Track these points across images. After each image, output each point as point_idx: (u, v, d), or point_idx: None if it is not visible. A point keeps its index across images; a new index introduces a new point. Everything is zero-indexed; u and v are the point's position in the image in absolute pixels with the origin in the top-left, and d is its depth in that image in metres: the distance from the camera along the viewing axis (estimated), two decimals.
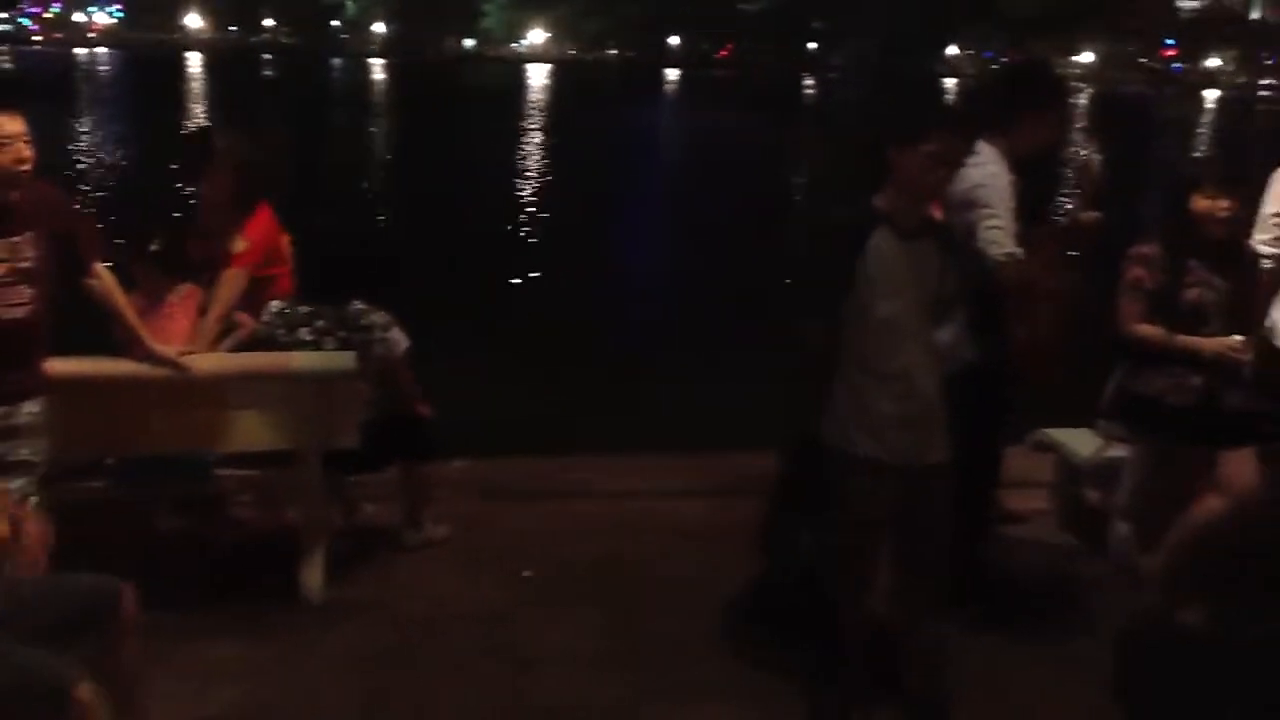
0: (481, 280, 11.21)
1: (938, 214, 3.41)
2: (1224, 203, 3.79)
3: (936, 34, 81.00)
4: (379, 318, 4.08)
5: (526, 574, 4.19)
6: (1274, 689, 3.31)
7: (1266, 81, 79.67)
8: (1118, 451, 4.40)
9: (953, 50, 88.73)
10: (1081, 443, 4.60)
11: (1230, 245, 3.90)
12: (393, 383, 4.15)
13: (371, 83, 55.61)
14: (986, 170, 3.59)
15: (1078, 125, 33.25)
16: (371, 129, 31.84)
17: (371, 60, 73.96)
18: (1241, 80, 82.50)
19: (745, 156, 23.62)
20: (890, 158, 3.13)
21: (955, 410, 3.38)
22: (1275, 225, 4.03)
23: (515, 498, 4.88)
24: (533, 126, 33.60)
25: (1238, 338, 3.75)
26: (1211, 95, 71.05)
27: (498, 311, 10.04)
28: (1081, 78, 70.30)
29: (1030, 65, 4.27)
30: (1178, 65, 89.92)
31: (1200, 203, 3.83)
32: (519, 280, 12.01)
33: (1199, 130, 42.45)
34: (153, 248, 4.10)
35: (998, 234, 3.54)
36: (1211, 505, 3.86)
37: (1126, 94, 63.43)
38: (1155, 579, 3.98)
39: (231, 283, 4.11)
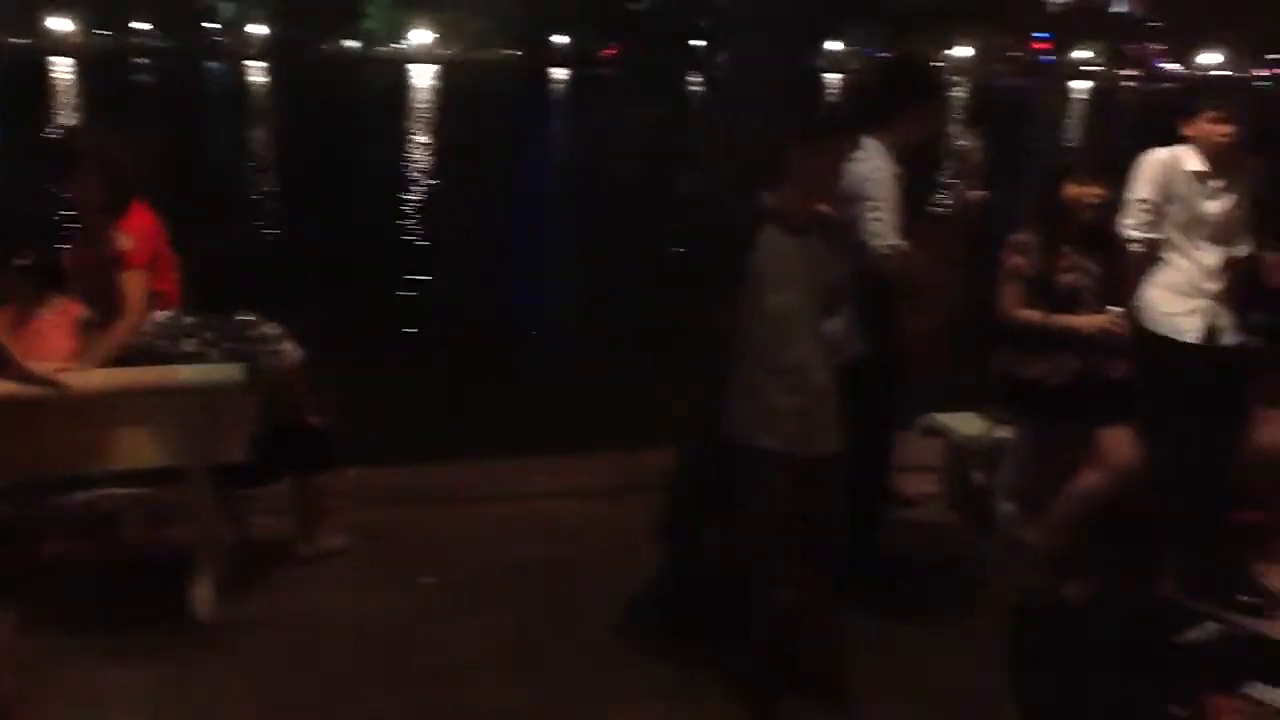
0: (371, 285, 11.07)
1: (826, 209, 3.48)
2: (1094, 190, 3.95)
3: (820, 31, 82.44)
4: (269, 329, 4.01)
5: (427, 580, 4.16)
6: (1148, 653, 3.47)
7: (1129, 72, 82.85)
8: (1003, 433, 4.54)
9: (836, 46, 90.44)
10: (968, 426, 4.75)
11: (1100, 230, 4.06)
12: (285, 394, 4.08)
13: (250, 86, 54.33)
14: (870, 164, 3.69)
15: (957, 118, 34.16)
16: (251, 133, 31.10)
17: (250, 63, 72.25)
18: (1106, 71, 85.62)
19: (634, 155, 23.74)
20: (790, 156, 3.20)
21: (847, 400, 3.47)
22: (1141, 210, 4.20)
23: (415, 504, 4.83)
24: (418, 128, 33.24)
25: (1114, 309, 3.90)
26: (1080, 86, 73.61)
27: (389, 316, 9.92)
28: (959, 71, 72.17)
29: (909, 60, 4.39)
30: (1049, 58, 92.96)
31: (1072, 190, 3.98)
32: (410, 284, 11.88)
33: (1069, 120, 43.98)
34: (20, 261, 3.95)
35: (882, 226, 3.64)
36: (1091, 481, 4.02)
37: (1001, 86, 65.34)
38: (1040, 554, 4.13)
39: (134, 286, 3.91)
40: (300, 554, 4.26)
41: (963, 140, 3.85)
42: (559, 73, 74.07)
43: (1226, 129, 4.02)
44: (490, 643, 3.75)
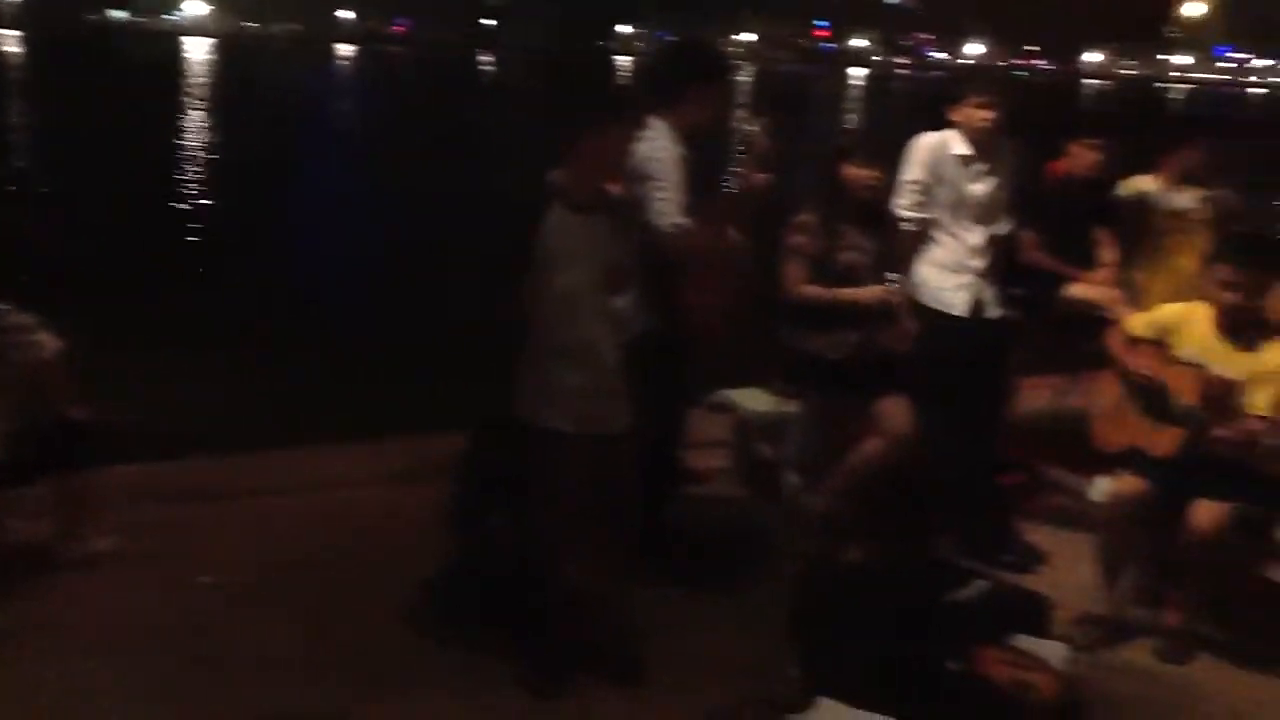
0: (149, 272, 10.46)
1: (612, 188, 3.49)
2: (869, 172, 4.11)
3: (612, 14, 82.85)
4: (22, 319, 3.72)
5: (205, 580, 3.96)
6: (924, 611, 3.65)
7: (902, 60, 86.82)
8: (788, 407, 4.69)
9: (627, 30, 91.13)
10: (754, 401, 4.87)
11: (876, 210, 4.23)
12: (42, 388, 3.80)
13: (4, 57, 50.36)
14: (655, 145, 3.72)
15: (742, 101, 34.96)
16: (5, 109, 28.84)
17: (2, 32, 66.89)
18: (882, 59, 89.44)
19: (421, 133, 23.28)
20: (583, 136, 3.19)
21: (635, 378, 3.50)
22: (912, 192, 4.40)
23: (193, 500, 4.59)
24: (195, 105, 31.61)
25: (892, 275, 4.07)
26: (858, 73, 76.65)
27: (167, 304, 9.39)
28: (744, 57, 73.99)
29: (693, 42, 4.44)
30: (830, 45, 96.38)
31: (849, 172, 4.13)
32: (189, 270, 11.30)
33: (848, 105, 45.76)
34: None
35: (666, 205, 3.68)
36: (869, 450, 4.19)
37: (784, 72, 67.37)
38: (822, 522, 4.29)
39: None
40: (64, 557, 3.99)
41: (748, 124, 3.94)
42: (345, 49, 71.83)
43: (988, 114, 4.25)
44: (276, 641, 3.61)
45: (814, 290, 4.15)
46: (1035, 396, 5.74)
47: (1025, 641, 3.42)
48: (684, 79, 3.91)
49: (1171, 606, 3.77)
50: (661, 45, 4.53)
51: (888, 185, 4.35)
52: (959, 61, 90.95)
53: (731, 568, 4.24)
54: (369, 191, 16.80)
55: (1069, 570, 4.34)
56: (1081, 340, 5.09)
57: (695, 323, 3.88)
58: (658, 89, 3.87)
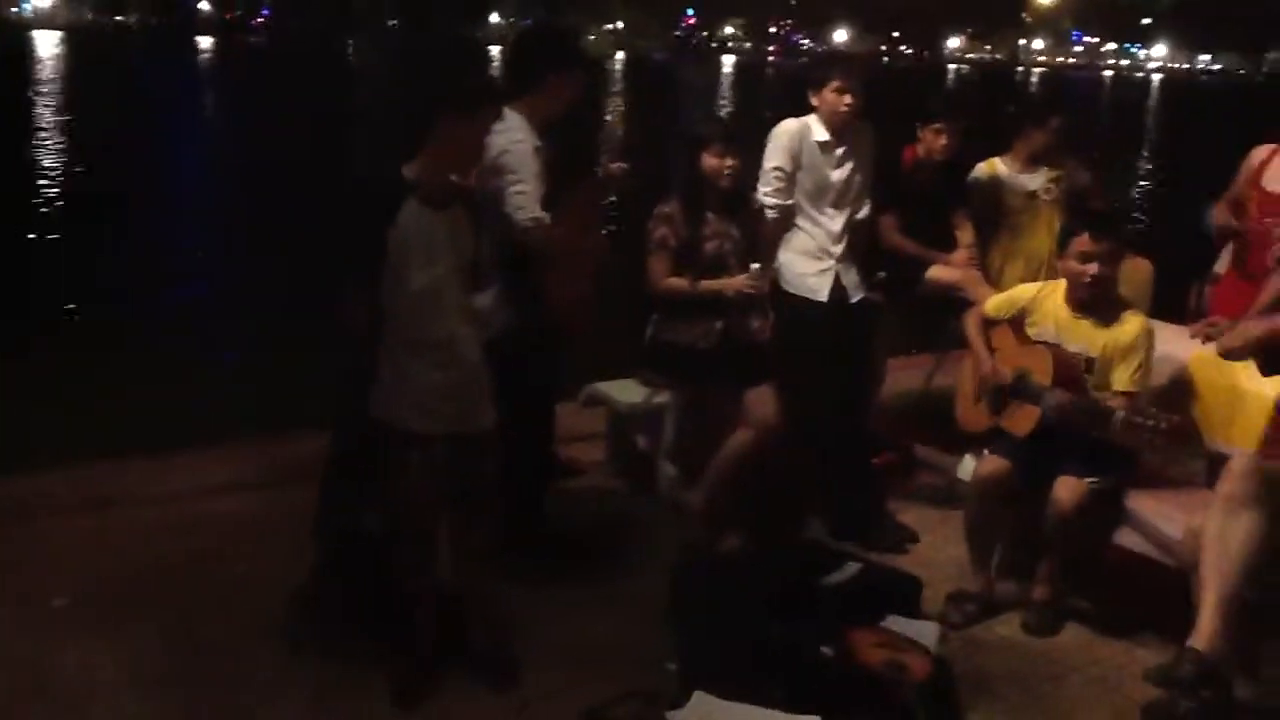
0: None
1: (468, 181, 3.41)
2: (729, 160, 4.09)
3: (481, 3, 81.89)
4: None
5: (59, 603, 3.75)
6: (799, 596, 3.66)
7: (771, 48, 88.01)
8: (661, 398, 4.66)
9: (495, 19, 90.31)
10: (628, 393, 4.83)
11: (738, 197, 4.22)
12: None
13: None
14: (511, 136, 3.64)
15: (612, 91, 34.97)
16: None
17: None
18: (751, 47, 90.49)
19: (285, 126, 22.64)
20: (439, 127, 3.09)
21: (500, 374, 3.43)
22: (775, 178, 4.40)
23: (39, 515, 4.35)
24: (45, 102, 30.15)
25: (754, 265, 4.07)
26: (728, 60, 77.40)
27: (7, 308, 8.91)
28: (615, 45, 74.03)
29: (550, 29, 4.37)
30: (701, 33, 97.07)
31: (709, 160, 4.10)
32: (34, 271, 10.75)
33: (719, 92, 46.15)
34: None
35: (524, 199, 3.61)
36: (740, 439, 4.19)
37: (654, 59, 67.58)
38: (698, 512, 4.28)
39: None
40: None
41: (610, 114, 3.89)
42: (205, 40, 69.50)
43: (847, 99, 4.27)
44: (134, 661, 3.43)
45: (677, 282, 4.12)
46: (907, 377, 5.85)
47: (897, 623, 3.46)
48: (539, 68, 3.84)
49: (1038, 580, 3.86)
50: (517, 33, 4.41)
51: (748, 172, 4.34)
52: (826, 48, 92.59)
53: (609, 561, 4.20)
54: (222, 188, 16.23)
55: (940, 548, 4.42)
56: (946, 321, 5.20)
57: (556, 315, 3.82)
58: (513, 78, 3.79)
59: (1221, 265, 6.60)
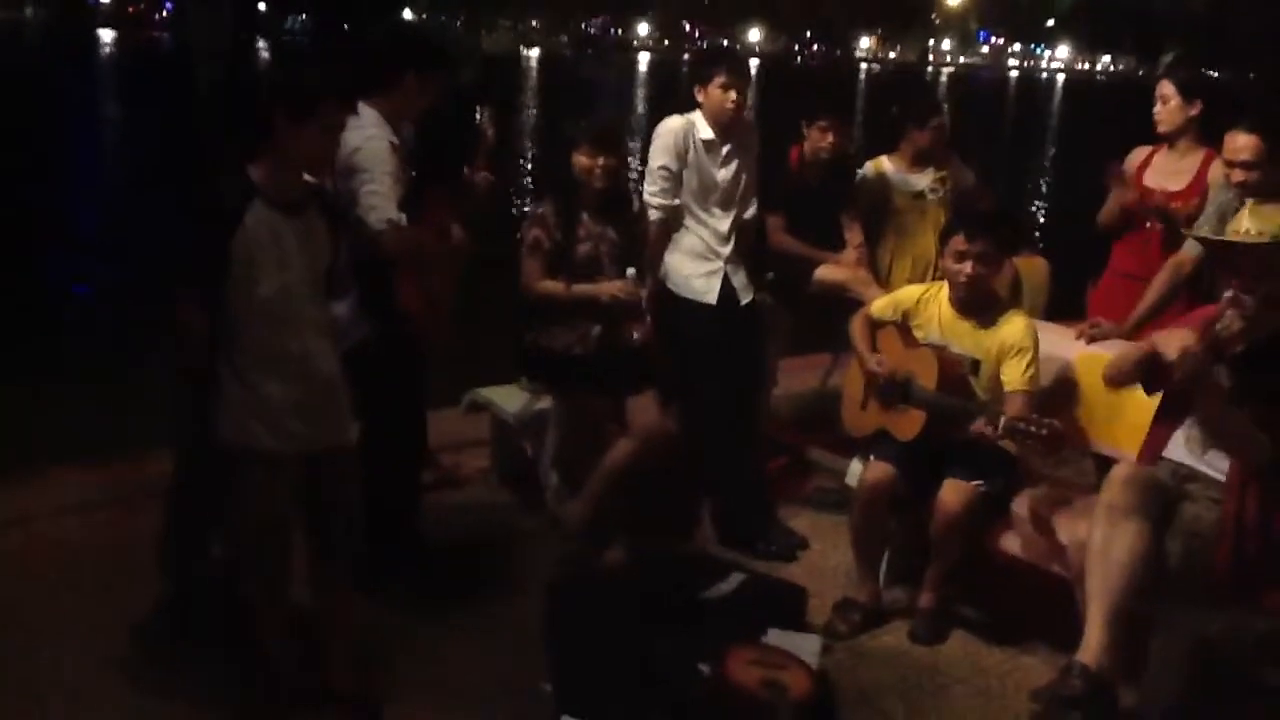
0: None
1: (319, 182, 3.21)
2: (602, 159, 3.94)
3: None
4: None
5: None
6: (679, 611, 3.54)
7: (686, 46, 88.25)
8: (543, 404, 4.51)
9: (408, 14, 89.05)
10: (510, 399, 4.66)
11: (615, 197, 4.07)
12: None
13: None
14: (365, 134, 3.44)
15: (519, 88, 34.56)
16: None
17: None
18: (665, 45, 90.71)
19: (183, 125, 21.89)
20: (278, 128, 2.87)
21: (361, 386, 3.24)
22: (661, 178, 4.27)
23: None
24: None
25: (630, 271, 3.92)
26: (644, 59, 77.36)
27: None
28: (521, 41, 73.54)
29: (405, 28, 4.16)
30: (611, 31, 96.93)
31: (580, 160, 3.95)
32: None
33: (632, 90, 45.95)
34: None
35: (377, 199, 3.41)
36: (622, 449, 4.05)
37: (569, 59, 67.21)
38: (579, 524, 4.12)
39: None
40: None
41: (480, 115, 3.73)
42: (106, 34, 67.33)
43: (733, 96, 4.15)
44: None
45: (550, 285, 3.96)
46: (802, 377, 5.77)
47: (778, 637, 3.35)
48: (400, 65, 3.63)
49: (924, 587, 3.78)
50: (380, 32, 4.20)
51: (625, 170, 4.20)
52: (739, 48, 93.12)
53: (487, 580, 4.03)
54: (101, 191, 15.54)
55: (831, 554, 4.33)
56: (839, 321, 5.12)
57: (417, 322, 3.64)
58: (370, 75, 3.58)
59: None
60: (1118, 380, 3.31)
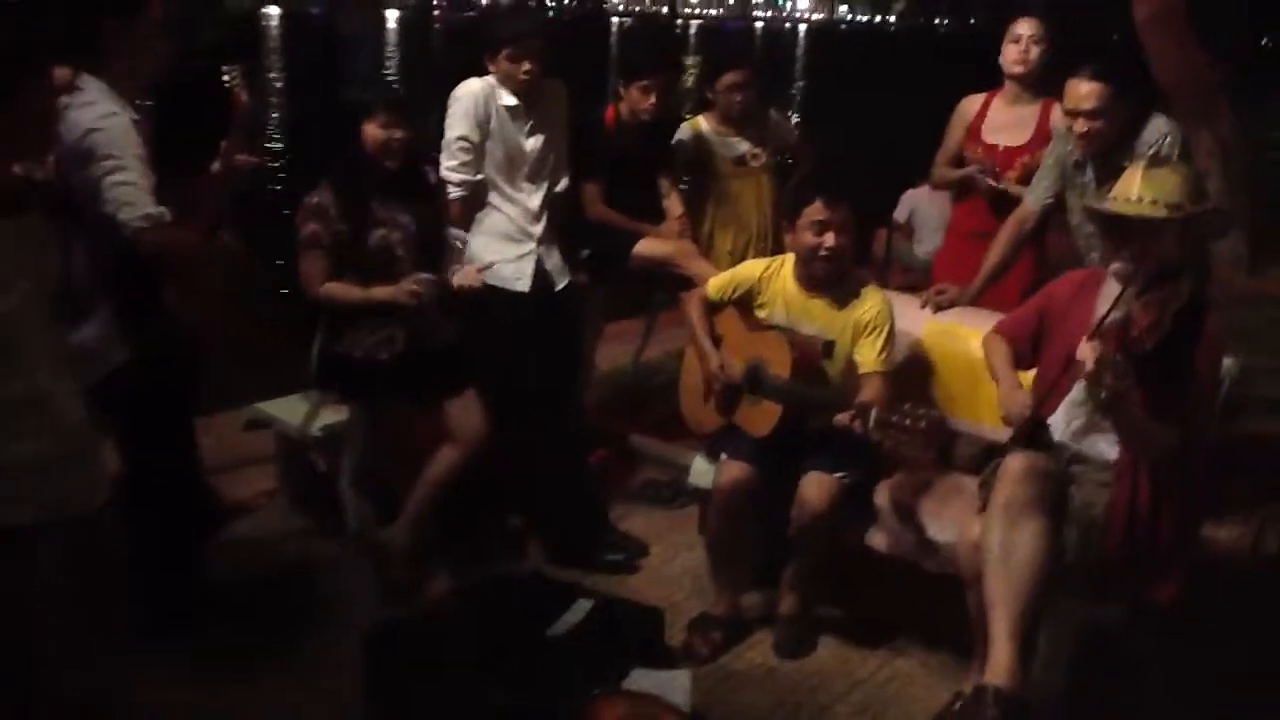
0: None
1: (42, 175, 2.53)
2: (397, 132, 3.37)
3: None
4: None
5: None
6: (523, 650, 3.09)
7: (437, 2, 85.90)
8: (336, 417, 3.92)
9: None
10: (293, 412, 4.04)
11: (410, 177, 3.51)
12: None
13: None
14: (98, 111, 2.73)
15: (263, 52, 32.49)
16: None
17: None
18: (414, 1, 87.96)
19: None
20: None
21: (119, 420, 2.61)
22: (460, 150, 3.73)
23: None
24: None
25: (423, 276, 3.38)
26: (391, 15, 74.65)
27: None
28: None
29: None
30: None
31: (373, 132, 3.36)
32: None
33: (385, 53, 44.06)
34: None
35: (130, 191, 2.72)
36: (444, 460, 3.54)
37: (312, 14, 63.94)
38: (397, 549, 3.59)
39: None
40: None
41: (229, 76, 3.07)
42: None
43: (525, 67, 3.64)
44: None
45: (336, 288, 3.37)
46: (613, 351, 5.30)
47: (644, 678, 2.94)
48: (90, 12, 2.86)
49: (785, 590, 3.45)
50: None
51: (421, 145, 3.62)
52: (489, 3, 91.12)
53: (289, 623, 3.44)
54: None
55: (673, 558, 3.96)
56: (657, 291, 4.73)
57: (188, 335, 3.00)
58: (72, 37, 2.82)
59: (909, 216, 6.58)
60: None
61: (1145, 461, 2.80)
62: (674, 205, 4.29)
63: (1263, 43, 21.45)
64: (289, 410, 4.06)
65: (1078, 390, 2.92)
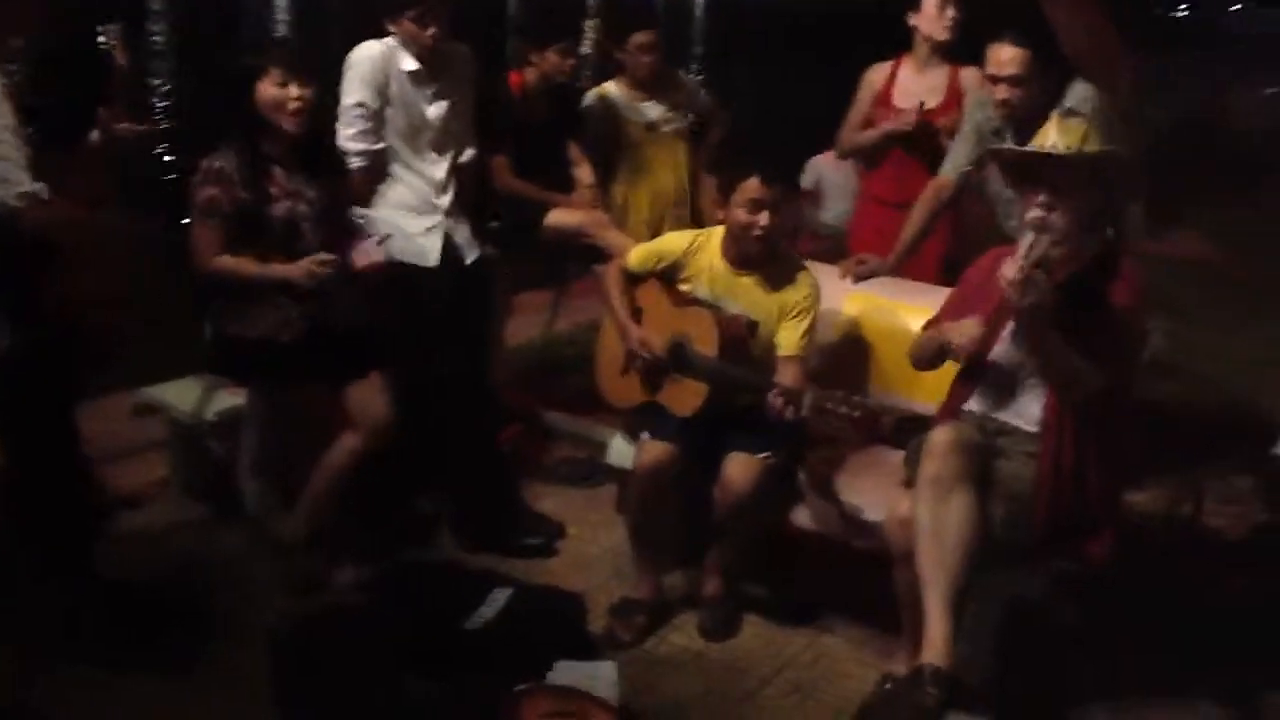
0: None
1: None
2: (295, 90, 3.13)
3: None
4: None
5: None
6: (437, 647, 2.96)
7: None
8: (231, 400, 3.70)
9: None
10: (188, 397, 3.81)
11: (314, 144, 3.28)
12: None
13: None
14: None
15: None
16: None
17: None
18: None
19: None
20: None
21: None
22: (359, 117, 3.50)
23: None
24: None
25: (325, 256, 3.17)
26: None
27: None
28: None
29: None
30: None
31: (268, 91, 3.12)
32: None
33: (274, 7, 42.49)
34: None
35: (6, 167, 2.49)
36: (345, 445, 3.35)
37: None
38: (299, 541, 3.40)
39: None
40: None
41: (106, 36, 2.82)
42: None
43: (431, 31, 3.43)
44: None
45: (232, 262, 3.14)
46: (522, 323, 5.13)
47: (568, 671, 2.82)
48: None
49: (708, 572, 3.37)
50: None
51: (324, 108, 3.40)
52: None
53: (191, 622, 3.22)
54: None
55: (592, 538, 3.84)
56: (569, 262, 4.59)
57: (73, 320, 2.77)
58: None
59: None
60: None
61: (1070, 423, 2.75)
62: (583, 174, 4.15)
63: (1178, 11, 21.75)
64: (181, 395, 3.82)
65: (1002, 350, 2.87)
